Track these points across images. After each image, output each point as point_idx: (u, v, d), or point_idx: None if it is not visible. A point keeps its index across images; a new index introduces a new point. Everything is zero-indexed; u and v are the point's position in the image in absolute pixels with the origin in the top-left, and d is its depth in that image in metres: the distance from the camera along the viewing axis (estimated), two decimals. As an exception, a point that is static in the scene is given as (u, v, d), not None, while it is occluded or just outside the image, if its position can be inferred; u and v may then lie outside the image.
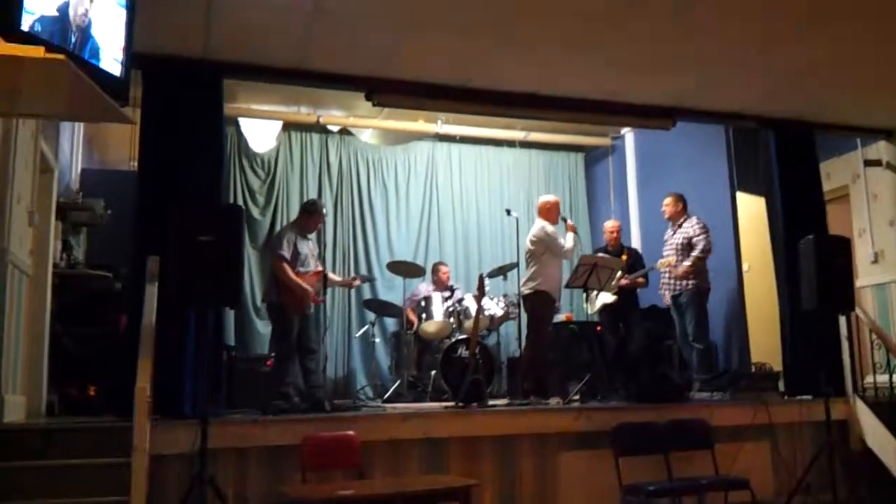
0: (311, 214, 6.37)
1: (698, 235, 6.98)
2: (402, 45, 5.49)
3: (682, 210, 7.20)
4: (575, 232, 6.81)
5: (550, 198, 7.06)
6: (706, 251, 6.92)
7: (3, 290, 4.82)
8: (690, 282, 6.93)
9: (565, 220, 6.94)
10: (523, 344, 6.81)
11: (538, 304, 6.58)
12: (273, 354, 6.42)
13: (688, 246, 6.98)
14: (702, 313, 6.94)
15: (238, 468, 4.90)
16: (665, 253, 7.13)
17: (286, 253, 6.08)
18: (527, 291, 6.63)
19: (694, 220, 7.12)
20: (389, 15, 5.07)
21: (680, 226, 7.12)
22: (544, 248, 6.62)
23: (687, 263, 6.88)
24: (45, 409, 5.73)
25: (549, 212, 6.86)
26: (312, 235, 6.48)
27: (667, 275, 7.05)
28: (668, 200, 7.22)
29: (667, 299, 7.13)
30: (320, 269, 6.32)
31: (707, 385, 6.84)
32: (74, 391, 6.01)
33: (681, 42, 5.52)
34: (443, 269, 8.53)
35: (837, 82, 6.31)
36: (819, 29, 5.33)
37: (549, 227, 6.72)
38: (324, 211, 6.50)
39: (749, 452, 5.81)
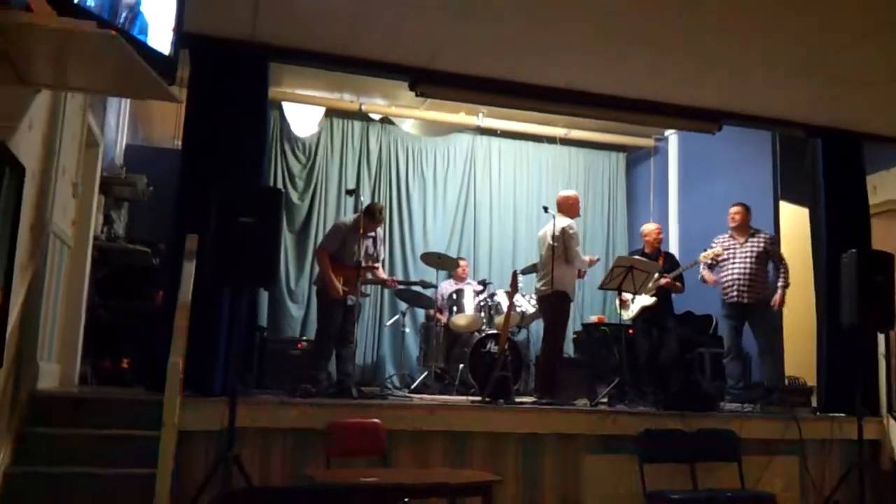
0: (370, 217, 6.43)
1: (779, 253, 6.94)
2: (449, 35, 5.47)
3: (749, 221, 7.08)
4: (591, 264, 6.80)
5: (571, 192, 6.94)
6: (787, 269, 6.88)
7: (45, 260, 4.91)
8: (765, 291, 6.87)
9: (597, 260, 6.98)
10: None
11: (557, 303, 6.47)
12: (305, 338, 6.50)
13: (763, 256, 6.90)
14: (771, 327, 6.86)
15: (263, 449, 4.93)
16: (734, 265, 6.95)
17: (330, 244, 6.36)
18: (545, 290, 6.49)
19: (766, 234, 7.03)
20: (438, 3, 5.05)
21: (752, 235, 6.99)
22: (564, 247, 6.49)
23: (780, 287, 6.82)
24: (77, 378, 5.83)
25: (572, 207, 6.73)
26: (377, 234, 6.61)
27: (742, 279, 6.89)
28: (737, 209, 7.07)
29: (733, 299, 6.91)
30: (360, 264, 6.35)
31: (738, 397, 6.75)
32: (108, 362, 6.12)
33: (732, 44, 5.43)
34: (462, 263, 8.54)
35: (890, 93, 6.16)
36: (875, 39, 5.21)
37: (574, 226, 6.61)
38: (380, 216, 6.59)
39: (777, 467, 5.72)
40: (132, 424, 4.54)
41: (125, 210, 7.25)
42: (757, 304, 6.83)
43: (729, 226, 7.11)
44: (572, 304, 7.53)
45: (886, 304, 5.71)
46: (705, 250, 7.04)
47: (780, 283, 6.85)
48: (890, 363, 6.36)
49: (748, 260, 6.88)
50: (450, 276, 8.57)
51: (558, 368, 6.54)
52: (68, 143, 5.22)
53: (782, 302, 6.82)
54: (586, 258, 6.71)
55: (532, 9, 5.07)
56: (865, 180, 7.05)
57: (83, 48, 3.11)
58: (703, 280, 7.16)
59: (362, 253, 6.32)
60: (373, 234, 6.51)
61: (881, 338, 6.33)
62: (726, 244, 7.07)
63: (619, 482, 5.26)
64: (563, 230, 6.49)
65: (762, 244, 6.91)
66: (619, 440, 5.50)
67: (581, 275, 6.93)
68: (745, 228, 7.04)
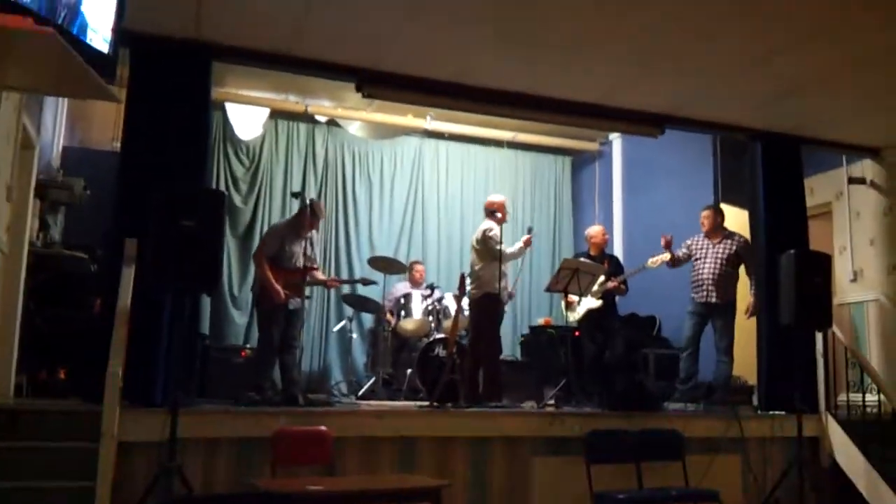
0: (315, 215, 6.35)
1: (752, 258, 6.95)
2: (395, 36, 5.45)
3: (721, 223, 7.14)
4: (527, 245, 6.66)
5: (497, 198, 6.88)
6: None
7: (-24, 267, 4.73)
8: (732, 293, 6.93)
9: (530, 230, 6.77)
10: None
11: (487, 305, 6.46)
12: (248, 346, 6.37)
13: (735, 259, 6.96)
14: (732, 327, 6.91)
15: (207, 459, 4.83)
16: (704, 264, 6.98)
17: (268, 248, 6.17)
18: (475, 294, 6.50)
19: (741, 238, 7.08)
20: (385, 3, 5.02)
21: (726, 237, 7.05)
22: (486, 249, 6.52)
23: (752, 294, 6.87)
24: (12, 390, 5.63)
25: (496, 211, 6.71)
26: (311, 235, 6.42)
27: (711, 278, 6.92)
28: (707, 213, 7.12)
29: (702, 298, 6.94)
30: (304, 266, 6.27)
31: (683, 396, 6.85)
32: (44, 373, 5.92)
33: (673, 49, 5.52)
34: (418, 267, 8.51)
35: (828, 99, 6.34)
36: (815, 45, 5.36)
37: (494, 228, 6.60)
38: (315, 211, 6.38)
39: (720, 465, 5.81)
40: (70, 436, 4.40)
41: (62, 215, 7.03)
42: (724, 304, 6.90)
43: (703, 229, 7.14)
44: (516, 307, 7.55)
45: (823, 304, 5.87)
46: (653, 256, 7.09)
47: (751, 290, 6.92)
48: (827, 362, 6.54)
49: (719, 260, 6.96)
50: (403, 280, 8.53)
51: (497, 371, 6.51)
52: (2, 145, 5.05)
53: (756, 309, 6.84)
54: (516, 246, 6.65)
55: (476, 12, 5.08)
56: (803, 183, 7.24)
57: (19, 46, 3.01)
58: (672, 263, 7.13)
59: (301, 254, 6.24)
60: (309, 234, 6.39)
61: (819, 337, 6.49)
62: (699, 244, 7.12)
63: (568, 484, 5.30)
64: (483, 233, 6.58)
65: (734, 247, 6.99)
66: (567, 442, 5.54)
67: (509, 296, 6.91)
68: (718, 231, 7.09)
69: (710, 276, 6.90)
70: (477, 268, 6.56)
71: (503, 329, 7.18)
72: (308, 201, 6.35)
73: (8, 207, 5.41)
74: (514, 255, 6.65)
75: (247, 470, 4.82)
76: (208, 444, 4.84)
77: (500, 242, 6.48)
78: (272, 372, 6.10)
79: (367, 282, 7.57)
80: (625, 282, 7.32)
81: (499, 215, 6.68)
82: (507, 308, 7.15)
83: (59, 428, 4.51)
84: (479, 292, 6.47)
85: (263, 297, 6.09)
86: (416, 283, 8.32)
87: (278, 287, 6.01)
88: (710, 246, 7.03)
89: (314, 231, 6.49)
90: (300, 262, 6.23)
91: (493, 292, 6.43)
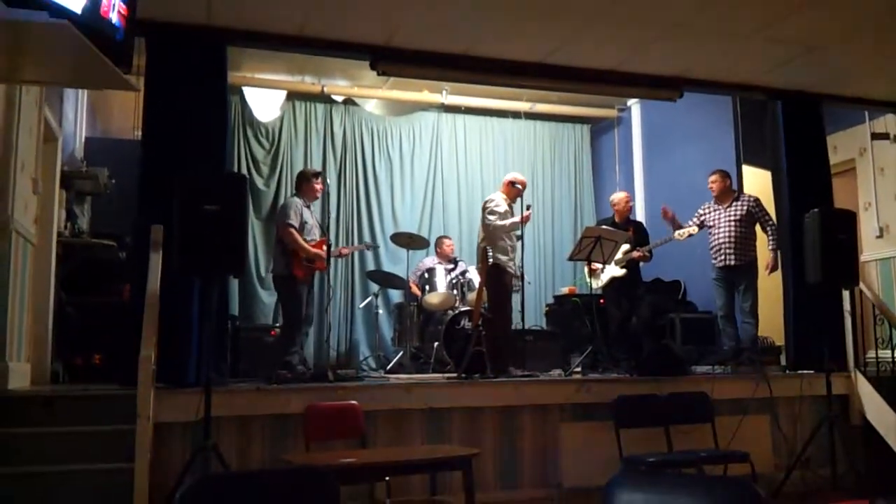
0: (308, 180, 6.42)
1: (765, 215, 6.92)
2: (407, 12, 5.43)
3: (730, 186, 7.10)
4: (524, 221, 6.56)
5: (513, 175, 6.84)
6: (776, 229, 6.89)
7: (8, 259, 4.83)
8: (751, 253, 6.90)
9: (528, 207, 6.62)
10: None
11: (495, 276, 6.44)
12: (278, 325, 6.45)
13: (748, 219, 6.92)
14: (755, 288, 6.88)
15: (241, 437, 4.94)
16: (719, 229, 6.94)
17: (294, 221, 6.14)
18: (482, 267, 6.49)
19: (751, 197, 7.03)
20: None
21: (736, 199, 7.01)
22: (483, 222, 6.56)
23: (771, 250, 6.83)
24: (49, 377, 5.77)
25: (506, 186, 6.72)
26: (315, 205, 6.49)
27: (727, 242, 6.88)
28: (714, 178, 7.06)
29: (721, 263, 6.90)
30: (324, 238, 6.35)
31: (710, 358, 6.84)
32: (79, 360, 6.06)
33: (690, 10, 5.46)
34: (446, 242, 8.53)
35: (847, 54, 6.23)
36: (833, 1, 5.26)
37: (496, 199, 6.61)
38: (319, 178, 6.52)
39: (749, 426, 5.81)
40: (107, 420, 4.50)
41: (88, 204, 7.14)
42: (745, 265, 6.87)
43: (713, 195, 7.09)
44: (539, 276, 7.45)
45: (849, 262, 5.82)
46: (681, 227, 7.04)
47: (770, 247, 6.87)
48: (855, 319, 6.49)
49: (732, 223, 6.91)
50: (429, 255, 8.57)
51: (507, 342, 6.48)
52: (25, 139, 5.13)
53: (776, 265, 6.82)
54: (508, 221, 6.54)
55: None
56: (825, 141, 7.15)
57: (36, 40, 3.04)
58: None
59: (315, 224, 6.35)
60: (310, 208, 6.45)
61: (846, 294, 6.45)
62: (711, 210, 7.08)
63: (596, 449, 5.32)
64: (484, 205, 6.62)
65: (745, 206, 6.94)
66: (595, 408, 5.58)
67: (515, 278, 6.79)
68: (727, 194, 7.04)
69: (727, 240, 6.88)
70: (479, 239, 6.60)
71: (527, 299, 7.20)
72: (306, 173, 6.52)
73: (35, 200, 5.52)
74: (507, 229, 6.54)
75: (281, 446, 4.92)
76: (242, 422, 4.93)
77: (511, 215, 6.53)
78: (300, 348, 6.20)
79: (369, 246, 7.57)
80: (650, 250, 7.29)
81: (511, 192, 6.66)
82: (529, 280, 7.11)
83: (96, 412, 4.63)
84: (486, 264, 6.45)
85: (287, 277, 6.13)
86: (445, 258, 8.35)
87: (317, 251, 6.12)
88: (722, 210, 6.99)
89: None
90: (317, 234, 6.32)
91: (499, 263, 6.43)
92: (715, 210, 7.05)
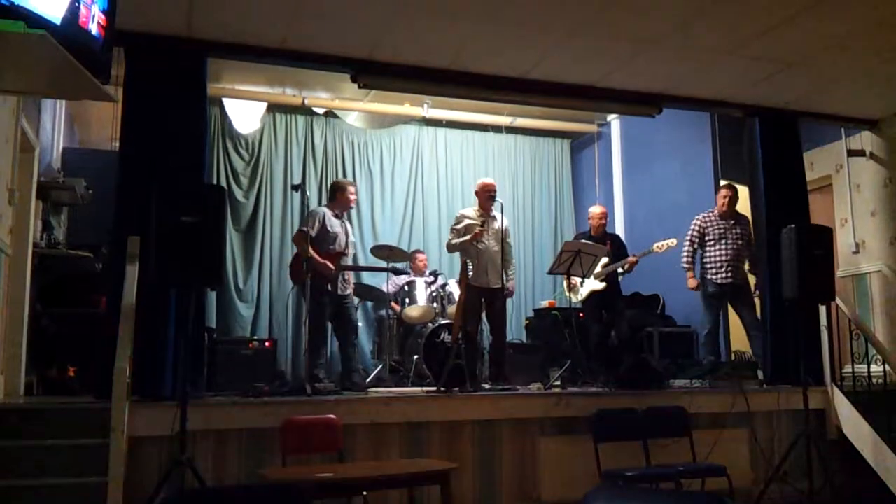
0: (343, 189, 6.49)
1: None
2: (389, 25, 5.45)
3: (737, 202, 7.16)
4: (473, 239, 6.50)
5: (483, 180, 6.92)
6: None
7: (-18, 269, 4.77)
8: (744, 271, 7.00)
9: (482, 225, 6.60)
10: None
11: (465, 290, 6.38)
12: (255, 338, 6.41)
13: (748, 238, 7.00)
14: (755, 302, 6.96)
15: (217, 451, 4.89)
16: (724, 246, 6.96)
17: (308, 228, 6.21)
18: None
19: (745, 217, 7.11)
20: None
21: (736, 217, 7.06)
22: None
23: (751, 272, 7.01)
24: (23, 389, 5.69)
25: (477, 195, 6.77)
26: (345, 216, 6.59)
27: (736, 260, 6.93)
28: (726, 192, 7.08)
29: (726, 280, 6.93)
30: (343, 251, 6.39)
31: (688, 372, 6.86)
32: (54, 372, 5.98)
33: (669, 28, 5.51)
34: (419, 256, 8.52)
35: (824, 72, 6.32)
36: (809, 18, 5.34)
37: (464, 213, 6.75)
38: (354, 187, 6.66)
39: (727, 440, 5.84)
40: (81, 433, 4.44)
41: (65, 215, 7.08)
42: (743, 283, 6.97)
43: (721, 209, 7.09)
44: (520, 289, 7.40)
45: (826, 277, 5.87)
46: (658, 241, 7.05)
47: (748, 269, 7.03)
48: (832, 334, 6.55)
49: (739, 242, 6.98)
50: (411, 269, 8.55)
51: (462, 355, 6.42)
52: (2, 149, 5.09)
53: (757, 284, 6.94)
54: (460, 240, 6.57)
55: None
56: (802, 157, 7.23)
57: (13, 50, 3.02)
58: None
59: (345, 236, 6.41)
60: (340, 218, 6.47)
61: (822, 310, 6.51)
62: (714, 224, 7.07)
63: (575, 463, 5.33)
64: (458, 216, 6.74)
65: (747, 226, 7.04)
66: (574, 422, 5.59)
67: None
68: (731, 211, 7.09)
69: (735, 257, 6.95)
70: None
71: (508, 313, 7.20)
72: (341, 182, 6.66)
73: (10, 210, 5.45)
74: (457, 247, 6.61)
75: (257, 460, 4.87)
76: (218, 436, 4.89)
77: (488, 224, 6.59)
78: (323, 360, 6.24)
79: (397, 271, 7.67)
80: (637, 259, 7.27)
81: (481, 198, 6.68)
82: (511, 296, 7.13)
83: (70, 425, 4.55)
84: (466, 278, 6.42)
85: (310, 284, 6.08)
86: (418, 272, 8.35)
87: (325, 262, 6.11)
88: (727, 225, 7.01)
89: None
90: (344, 246, 6.38)
91: (467, 278, 6.41)
92: (718, 224, 7.06)
